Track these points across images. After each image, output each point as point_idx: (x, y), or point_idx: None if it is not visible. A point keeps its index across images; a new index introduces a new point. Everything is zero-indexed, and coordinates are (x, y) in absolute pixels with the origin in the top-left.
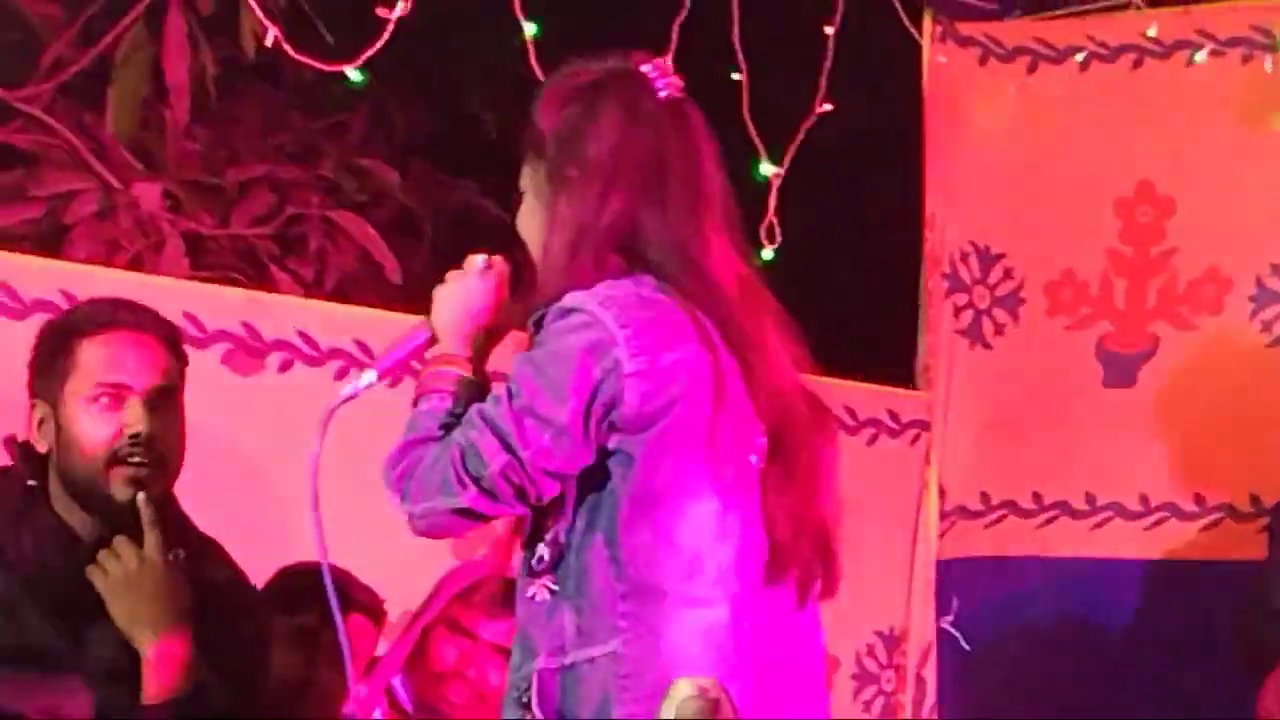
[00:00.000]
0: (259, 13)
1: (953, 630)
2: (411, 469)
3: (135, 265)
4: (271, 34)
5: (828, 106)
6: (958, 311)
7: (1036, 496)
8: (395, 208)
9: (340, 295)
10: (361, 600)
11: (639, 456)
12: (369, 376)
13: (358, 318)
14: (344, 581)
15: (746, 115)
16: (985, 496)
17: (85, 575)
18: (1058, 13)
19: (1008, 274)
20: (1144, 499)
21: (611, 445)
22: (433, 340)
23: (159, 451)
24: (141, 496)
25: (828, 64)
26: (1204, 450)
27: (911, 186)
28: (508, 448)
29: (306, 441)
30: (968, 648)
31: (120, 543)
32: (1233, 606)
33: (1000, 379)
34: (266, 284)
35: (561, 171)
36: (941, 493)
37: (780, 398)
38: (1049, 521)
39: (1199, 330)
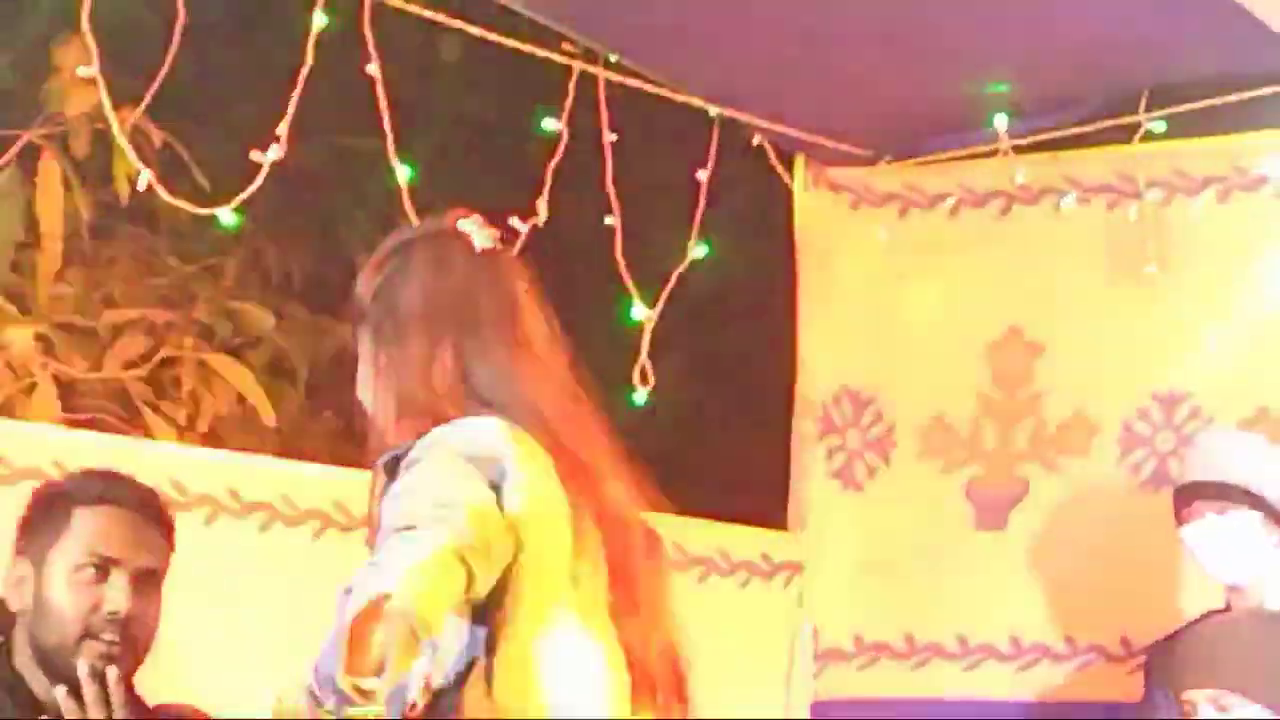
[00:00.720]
0: (133, 156)
1: None
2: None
3: (7, 408)
4: (145, 177)
5: (701, 250)
6: (830, 454)
7: (909, 638)
8: (270, 351)
9: (214, 438)
10: None
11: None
12: None
13: (230, 463)
14: None
15: (620, 258)
16: (858, 639)
17: None
18: (927, 159)
19: (879, 417)
20: (1015, 641)
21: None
22: None
23: (133, 634)
24: (114, 673)
25: (700, 209)
26: (1075, 592)
27: (784, 330)
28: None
29: (175, 585)
30: None
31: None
32: None
33: (872, 521)
34: (139, 426)
35: (380, 329)
36: (814, 635)
37: (616, 524)
38: (922, 663)
39: (1068, 473)
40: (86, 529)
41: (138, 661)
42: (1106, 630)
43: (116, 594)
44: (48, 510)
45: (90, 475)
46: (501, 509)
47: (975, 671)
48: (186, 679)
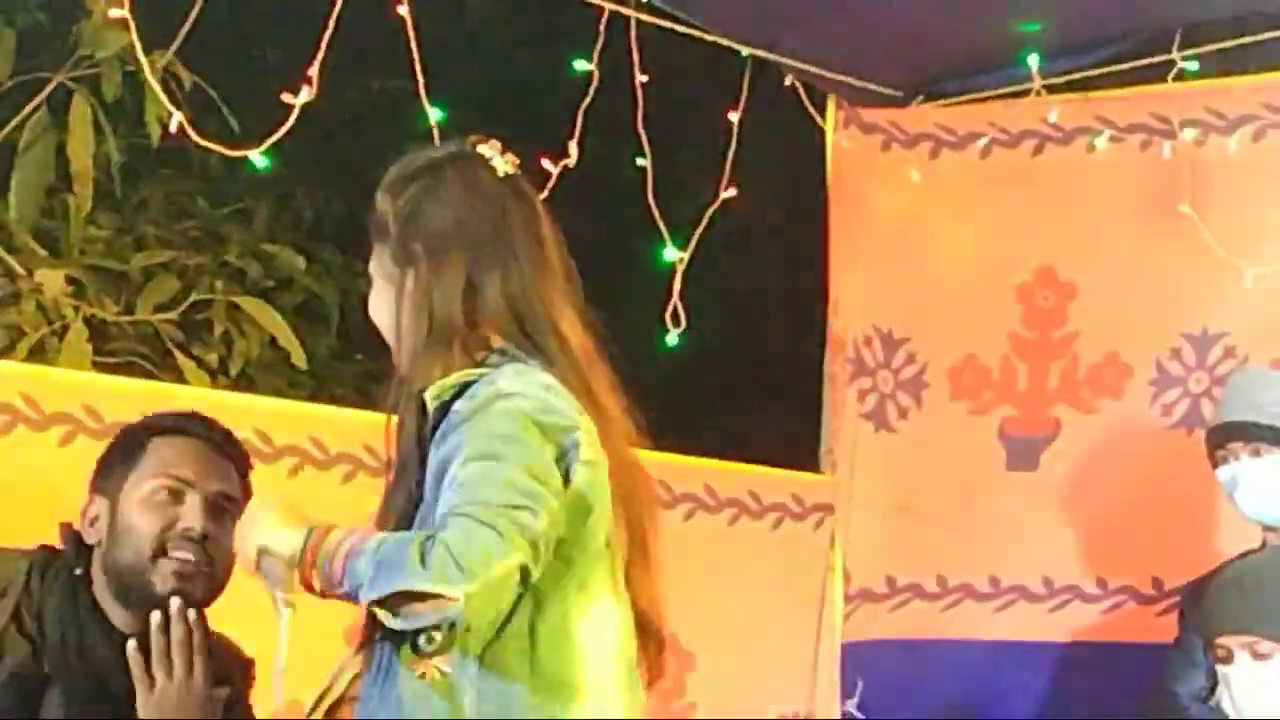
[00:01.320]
0: (163, 98)
1: (857, 714)
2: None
3: (38, 351)
4: (176, 119)
5: (732, 192)
6: (862, 395)
7: (941, 580)
8: (301, 294)
9: (245, 381)
10: None
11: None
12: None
13: (260, 406)
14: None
15: (651, 201)
16: (890, 580)
17: (123, 671)
18: (959, 99)
19: (911, 358)
20: (1047, 582)
21: None
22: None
23: (209, 555)
24: (178, 604)
25: (732, 150)
26: (1106, 533)
27: (815, 271)
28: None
29: None
30: None
31: (175, 657)
32: (1136, 688)
33: (904, 463)
34: (170, 370)
35: (406, 249)
36: (846, 576)
37: (627, 470)
38: (953, 605)
39: (1100, 414)
40: (161, 455)
41: (215, 589)
42: (1138, 571)
43: (191, 513)
44: (124, 446)
45: (166, 414)
46: (566, 485)
47: (1007, 613)
48: (214, 624)
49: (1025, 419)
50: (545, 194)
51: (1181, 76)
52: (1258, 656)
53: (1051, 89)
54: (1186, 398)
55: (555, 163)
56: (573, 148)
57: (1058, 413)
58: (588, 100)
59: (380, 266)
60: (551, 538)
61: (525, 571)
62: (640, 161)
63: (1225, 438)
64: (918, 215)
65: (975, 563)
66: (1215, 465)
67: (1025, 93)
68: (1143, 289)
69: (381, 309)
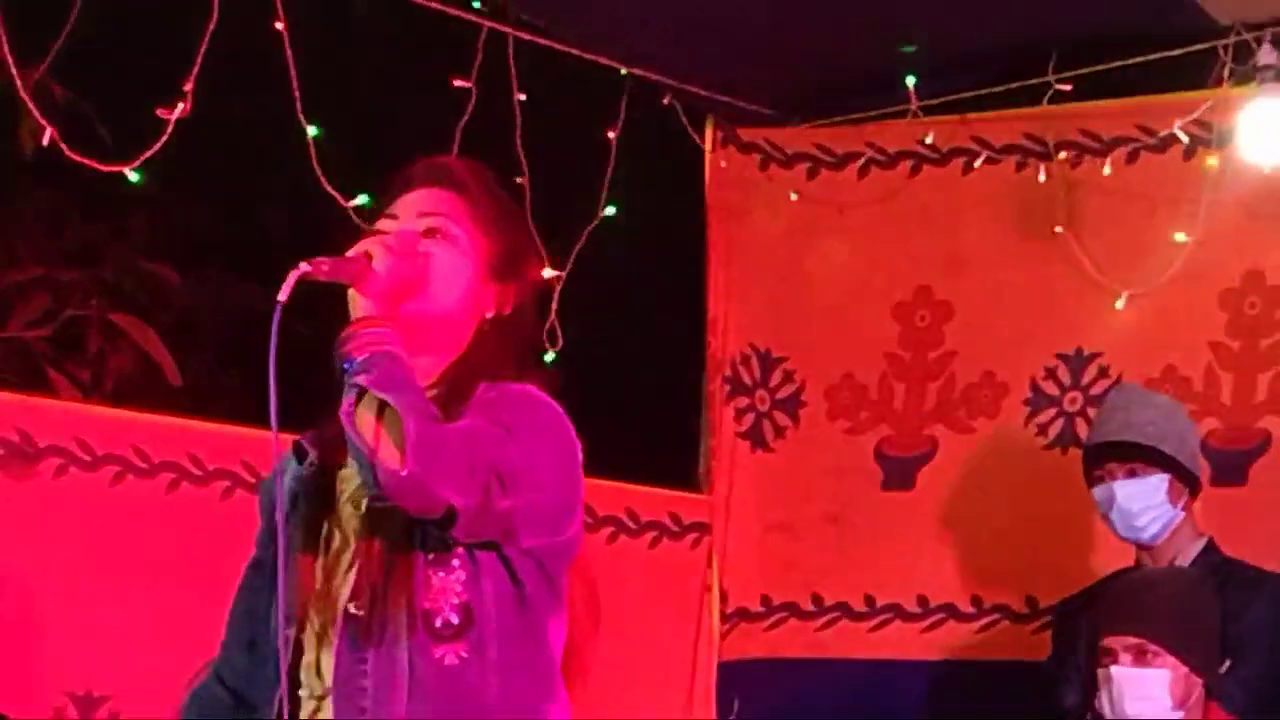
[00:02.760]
0: (36, 113)
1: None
2: (438, 448)
3: None
4: (48, 135)
5: (611, 210)
6: (739, 415)
7: (816, 599)
8: (176, 310)
9: (119, 398)
10: None
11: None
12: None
13: (136, 423)
14: None
15: (529, 218)
16: (766, 599)
17: None
18: (837, 120)
19: (788, 377)
20: (922, 600)
21: None
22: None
23: None
24: None
25: (610, 168)
26: (981, 552)
27: (694, 290)
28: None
29: (81, 548)
30: None
31: None
32: (1012, 706)
33: (781, 482)
34: (43, 387)
35: (513, 270)
36: (723, 595)
37: None
38: (829, 624)
39: (976, 433)
40: None
41: None
42: (1012, 590)
43: None
44: None
45: None
46: None
47: (882, 632)
48: (93, 637)
49: (902, 438)
50: None
51: (1057, 99)
52: (1142, 661)
53: (928, 110)
54: (1061, 417)
55: None
56: None
57: (934, 432)
58: (465, 118)
59: (465, 248)
60: None
61: None
62: (518, 179)
63: (1102, 457)
64: (795, 235)
65: (851, 582)
66: (1091, 484)
67: (902, 114)
68: (1018, 309)
69: (454, 282)
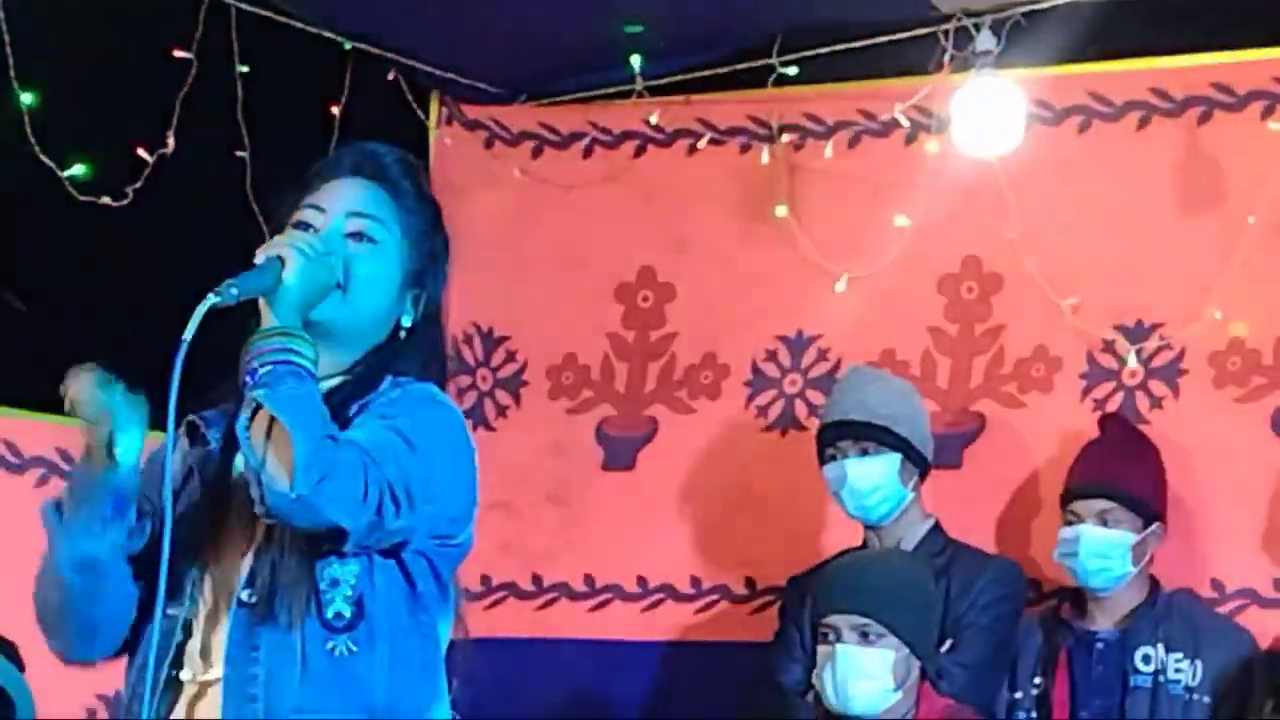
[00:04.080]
0: None
1: (451, 713)
2: (329, 471)
3: None
4: None
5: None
6: (461, 394)
7: (536, 578)
8: None
9: None
10: None
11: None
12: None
13: None
14: None
15: (250, 193)
16: (485, 578)
17: None
18: (563, 99)
19: (511, 356)
20: (642, 580)
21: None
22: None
23: None
24: None
25: (334, 143)
26: (701, 533)
27: None
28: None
29: None
30: None
31: None
32: (732, 686)
33: (502, 461)
34: None
35: (432, 277)
36: None
37: None
38: (549, 603)
39: (697, 414)
40: None
41: None
42: (731, 571)
43: None
44: None
45: None
46: None
47: (602, 612)
48: None
49: (623, 418)
50: (141, 183)
51: (781, 82)
52: (865, 640)
53: (654, 90)
54: (781, 399)
55: (151, 152)
56: (170, 138)
57: (654, 412)
58: (186, 89)
59: (393, 246)
60: None
61: None
62: (240, 153)
63: (835, 435)
64: (520, 213)
65: (571, 562)
66: (823, 463)
67: (628, 94)
68: (739, 291)
69: (380, 280)
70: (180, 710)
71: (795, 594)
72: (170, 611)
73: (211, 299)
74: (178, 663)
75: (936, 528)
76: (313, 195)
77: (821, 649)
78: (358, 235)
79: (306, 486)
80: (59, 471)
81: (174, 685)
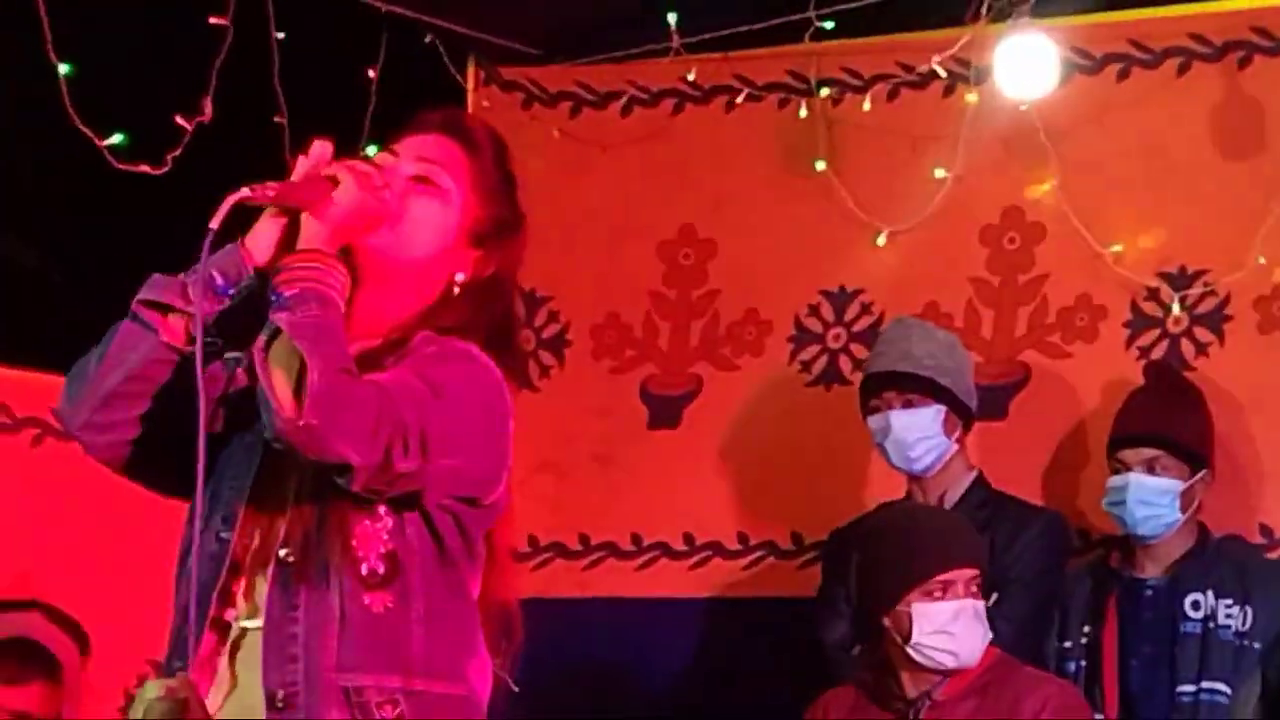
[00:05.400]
0: None
1: (500, 672)
2: (341, 402)
3: None
4: None
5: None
6: None
7: (583, 538)
8: None
9: None
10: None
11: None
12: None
13: None
14: None
15: (289, 159)
16: (533, 539)
17: None
18: (599, 58)
19: (553, 317)
20: (689, 538)
21: None
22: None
23: None
24: None
25: (371, 108)
26: (747, 489)
27: None
28: (424, 448)
29: None
30: (516, 689)
31: None
32: (779, 641)
33: (546, 422)
34: None
35: (496, 241)
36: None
37: None
38: (596, 563)
39: (741, 371)
40: None
41: None
42: (778, 527)
43: None
44: None
45: None
46: None
47: (649, 570)
48: None
49: (667, 377)
50: (179, 151)
51: (818, 36)
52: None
53: (690, 48)
54: (825, 354)
55: (189, 120)
56: (207, 105)
57: (699, 370)
58: (222, 57)
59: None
60: None
61: None
62: (277, 119)
63: (879, 387)
64: (559, 174)
65: (618, 520)
66: (867, 414)
67: (665, 52)
68: (781, 247)
69: (433, 227)
70: (224, 659)
71: (837, 546)
72: (223, 535)
73: (245, 191)
74: (224, 599)
75: (980, 480)
76: (391, 144)
77: (926, 606)
78: (423, 179)
79: (317, 415)
80: (54, 432)
81: (219, 625)
